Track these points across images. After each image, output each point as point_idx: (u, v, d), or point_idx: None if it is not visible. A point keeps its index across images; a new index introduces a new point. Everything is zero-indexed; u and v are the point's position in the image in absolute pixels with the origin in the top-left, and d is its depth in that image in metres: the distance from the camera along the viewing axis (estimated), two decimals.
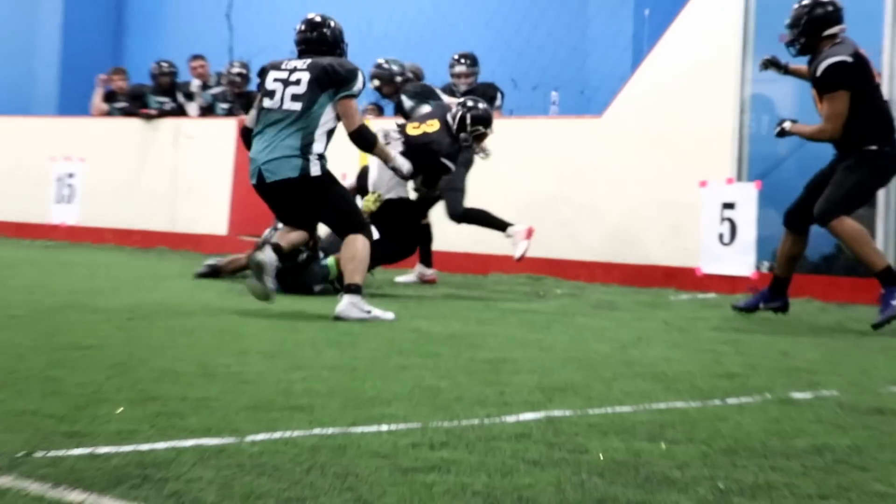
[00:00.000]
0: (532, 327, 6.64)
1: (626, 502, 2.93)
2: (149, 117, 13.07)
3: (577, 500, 2.92)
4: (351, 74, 6.94)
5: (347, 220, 7.02)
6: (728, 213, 9.42)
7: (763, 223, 9.35)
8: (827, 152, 9.49)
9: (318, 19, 7.27)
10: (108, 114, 13.78)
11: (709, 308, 8.23)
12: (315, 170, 6.91)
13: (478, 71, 10.94)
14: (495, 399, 4.28)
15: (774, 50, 9.50)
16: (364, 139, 7.10)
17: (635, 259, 9.80)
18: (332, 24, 7.26)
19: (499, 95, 10.99)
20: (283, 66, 7.08)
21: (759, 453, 3.54)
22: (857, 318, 7.66)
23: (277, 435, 3.52)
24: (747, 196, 9.32)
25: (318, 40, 7.16)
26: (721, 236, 9.40)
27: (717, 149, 9.57)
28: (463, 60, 10.91)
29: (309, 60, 7.04)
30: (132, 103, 13.50)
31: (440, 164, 8.62)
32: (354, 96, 6.99)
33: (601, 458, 3.39)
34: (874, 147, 7.17)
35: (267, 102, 7.02)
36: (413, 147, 8.51)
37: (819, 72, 7.08)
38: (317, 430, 3.60)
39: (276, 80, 7.03)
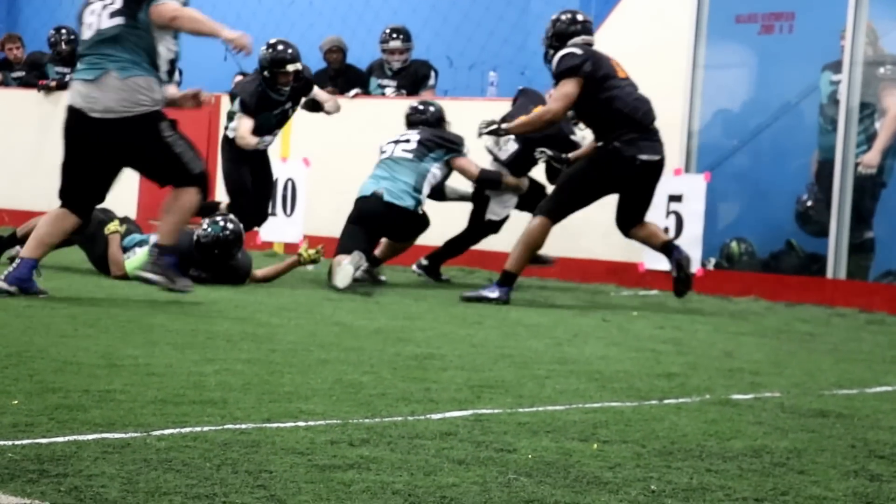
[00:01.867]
0: (463, 322, 6.72)
1: (553, 503, 3.01)
2: (49, 89, 12.90)
3: (502, 501, 3.00)
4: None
5: None
6: (675, 205, 9.56)
7: (711, 217, 9.50)
8: (779, 143, 9.67)
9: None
10: (4, 84, 13.63)
11: (651, 305, 8.37)
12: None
13: (411, 47, 11.02)
14: (421, 396, 4.36)
15: (728, 33, 9.69)
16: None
17: (575, 253, 9.92)
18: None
19: (432, 74, 11.07)
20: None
21: (694, 455, 3.64)
22: (805, 319, 7.83)
23: (187, 430, 3.56)
24: (695, 188, 9.46)
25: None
26: (666, 230, 9.53)
27: (665, 138, 9.69)
28: (396, 36, 10.97)
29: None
30: (30, 73, 13.35)
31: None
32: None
33: (530, 457, 3.48)
34: (600, 143, 8.03)
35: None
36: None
37: (554, 65, 8.01)
38: (229, 426, 3.65)
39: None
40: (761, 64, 9.71)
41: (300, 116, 11.48)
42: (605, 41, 10.06)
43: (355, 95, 10.94)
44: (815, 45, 9.30)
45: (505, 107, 10.96)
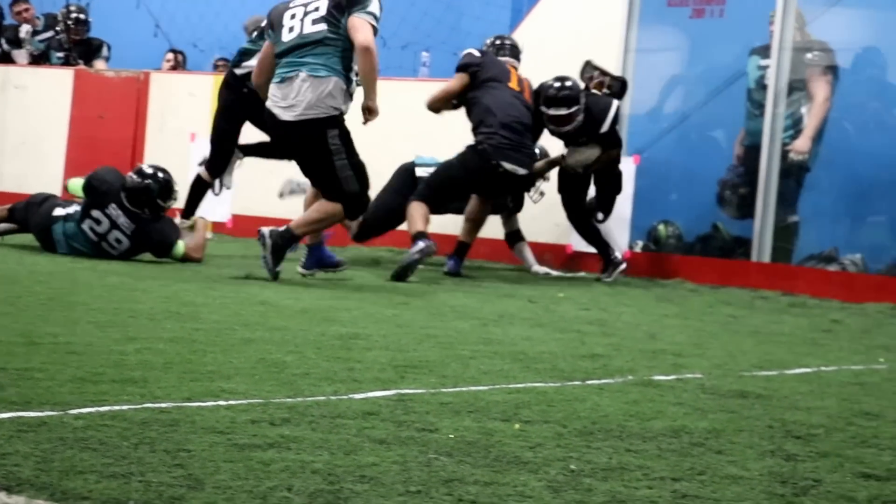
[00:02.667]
0: (389, 303, 6.72)
1: (473, 482, 3.02)
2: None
3: (422, 480, 3.01)
4: None
5: None
6: None
7: (639, 200, 9.56)
8: (708, 127, 9.75)
9: None
10: (36, 55, 13.32)
11: (577, 286, 8.41)
12: None
13: None
14: (344, 376, 4.35)
15: (660, 17, 9.74)
16: None
17: (503, 235, 9.94)
18: None
19: None
20: None
21: (615, 435, 3.67)
22: (728, 301, 7.92)
23: (105, 409, 3.53)
24: (625, 171, 9.50)
25: None
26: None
27: None
28: None
29: None
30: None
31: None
32: None
33: (451, 437, 3.49)
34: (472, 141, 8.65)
35: None
36: None
37: None
38: (149, 405, 3.62)
39: None
40: (692, 48, 9.78)
41: None
42: (539, 26, 10.10)
43: None
44: (745, 29, 9.38)
45: (439, 87, 10.94)
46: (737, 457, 3.47)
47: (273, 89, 7.43)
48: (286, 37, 7.43)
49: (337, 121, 7.33)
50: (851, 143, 8.27)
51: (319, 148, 7.33)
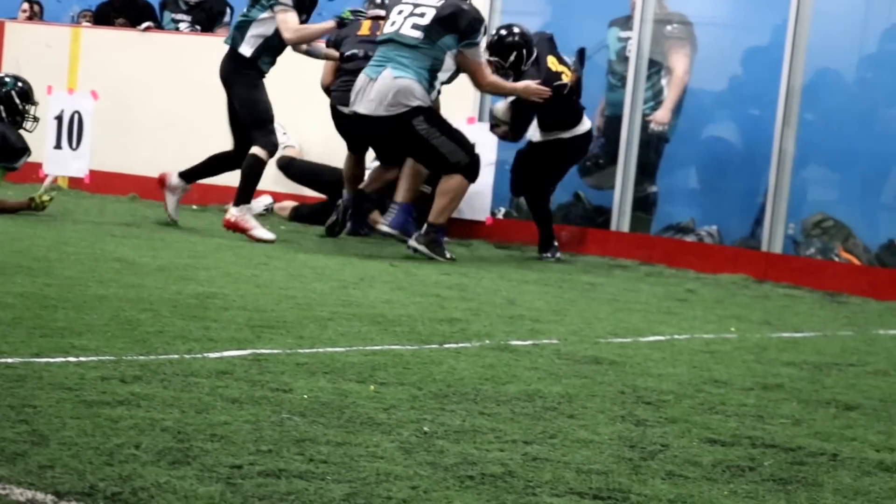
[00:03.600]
0: (248, 263, 6.66)
1: (325, 443, 3.01)
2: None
3: (273, 440, 2.99)
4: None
5: None
6: None
7: (502, 167, 9.60)
8: None
9: None
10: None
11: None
12: None
13: None
14: (199, 335, 4.30)
15: None
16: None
17: None
18: None
19: (228, 11, 10.87)
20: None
21: (469, 398, 3.69)
22: (587, 269, 8.01)
23: None
24: (488, 137, 9.53)
25: None
26: None
27: (459, 86, 9.75)
28: None
29: None
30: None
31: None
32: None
33: (305, 397, 3.47)
34: None
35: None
36: None
37: None
38: None
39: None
40: (554, 15, 9.84)
41: (90, 45, 11.18)
42: None
43: (146, 29, 10.67)
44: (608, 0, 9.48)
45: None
46: (588, 421, 3.52)
47: (358, 79, 7.72)
48: (386, 29, 7.72)
49: (418, 111, 7.60)
50: (710, 116, 8.41)
51: (411, 137, 7.65)
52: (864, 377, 4.62)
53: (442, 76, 7.73)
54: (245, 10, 8.41)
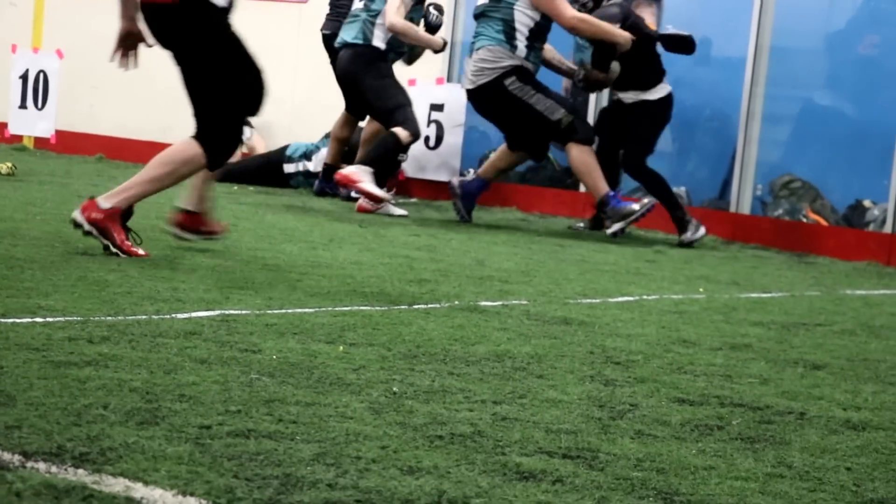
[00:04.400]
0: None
1: (294, 403, 3.00)
2: None
3: (242, 400, 2.98)
4: None
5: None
6: (436, 114, 9.61)
7: (471, 130, 9.59)
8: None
9: None
10: None
11: (410, 212, 8.41)
12: None
13: None
14: (167, 295, 4.28)
15: None
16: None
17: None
18: None
19: None
20: None
21: (438, 358, 3.69)
22: (556, 230, 8.02)
23: None
24: (457, 98, 9.51)
25: None
26: (427, 139, 9.59)
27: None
28: None
29: None
30: None
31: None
32: None
33: (274, 358, 3.46)
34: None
35: None
36: None
37: None
38: None
39: None
40: None
41: (54, 3, 11.07)
42: None
43: None
44: None
45: (270, 6, 10.73)
46: (557, 381, 3.53)
47: None
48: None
49: (507, 73, 7.74)
50: (678, 77, 8.41)
51: (507, 101, 7.77)
52: (831, 337, 4.65)
53: (526, 20, 7.77)
54: (362, 3, 8.37)
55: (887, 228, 7.78)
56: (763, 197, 8.67)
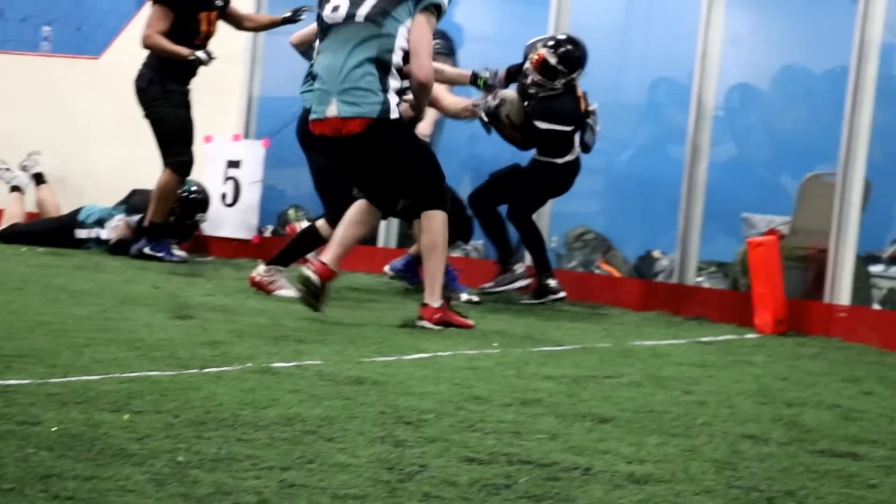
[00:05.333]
0: (2, 288, 6.43)
1: (73, 477, 2.91)
2: None
3: (17, 477, 2.88)
4: None
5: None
6: (233, 171, 9.54)
7: (268, 185, 9.55)
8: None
9: None
10: None
11: (206, 271, 8.29)
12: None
13: None
14: None
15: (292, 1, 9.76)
16: None
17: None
18: None
19: None
20: None
21: (227, 424, 3.63)
22: (357, 286, 8.01)
23: None
24: (254, 155, 9.48)
25: None
26: (224, 196, 9.51)
27: (225, 104, 9.67)
28: None
29: None
30: None
31: None
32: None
33: (54, 430, 3.35)
34: None
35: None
36: None
37: None
38: None
39: None
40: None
41: None
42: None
43: None
44: None
45: (61, 63, 10.51)
46: (347, 444, 3.50)
47: None
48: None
49: None
50: (468, 128, 8.48)
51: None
52: (618, 389, 4.74)
53: None
54: None
55: (675, 279, 8.00)
56: (558, 249, 8.83)
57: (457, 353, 5.44)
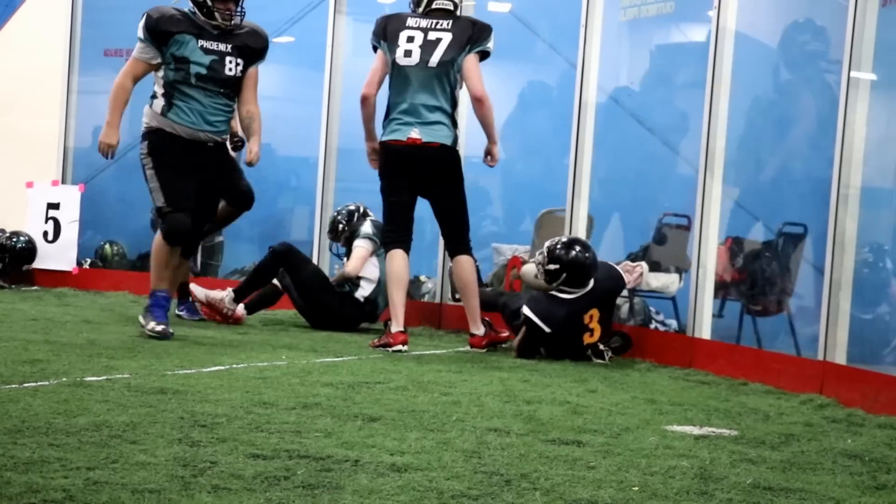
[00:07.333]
0: None
1: None
2: None
3: None
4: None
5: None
6: (53, 213, 9.34)
7: (87, 223, 9.38)
8: None
9: None
10: None
11: (29, 299, 7.98)
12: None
13: None
14: None
15: (99, 63, 9.63)
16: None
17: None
18: None
19: None
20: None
21: (41, 431, 3.50)
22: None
23: None
24: (71, 198, 9.34)
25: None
26: (46, 234, 9.29)
27: (44, 153, 9.53)
28: None
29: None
30: None
31: None
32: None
33: None
34: None
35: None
36: None
37: None
38: None
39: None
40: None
41: None
42: None
43: None
44: None
45: None
46: (148, 445, 3.42)
47: None
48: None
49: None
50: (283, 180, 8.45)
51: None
52: (387, 392, 4.76)
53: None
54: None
55: (437, 299, 8.08)
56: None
57: (250, 364, 5.37)
